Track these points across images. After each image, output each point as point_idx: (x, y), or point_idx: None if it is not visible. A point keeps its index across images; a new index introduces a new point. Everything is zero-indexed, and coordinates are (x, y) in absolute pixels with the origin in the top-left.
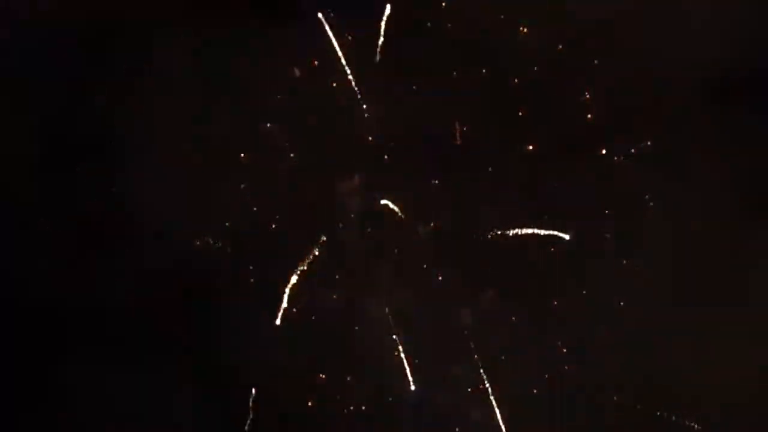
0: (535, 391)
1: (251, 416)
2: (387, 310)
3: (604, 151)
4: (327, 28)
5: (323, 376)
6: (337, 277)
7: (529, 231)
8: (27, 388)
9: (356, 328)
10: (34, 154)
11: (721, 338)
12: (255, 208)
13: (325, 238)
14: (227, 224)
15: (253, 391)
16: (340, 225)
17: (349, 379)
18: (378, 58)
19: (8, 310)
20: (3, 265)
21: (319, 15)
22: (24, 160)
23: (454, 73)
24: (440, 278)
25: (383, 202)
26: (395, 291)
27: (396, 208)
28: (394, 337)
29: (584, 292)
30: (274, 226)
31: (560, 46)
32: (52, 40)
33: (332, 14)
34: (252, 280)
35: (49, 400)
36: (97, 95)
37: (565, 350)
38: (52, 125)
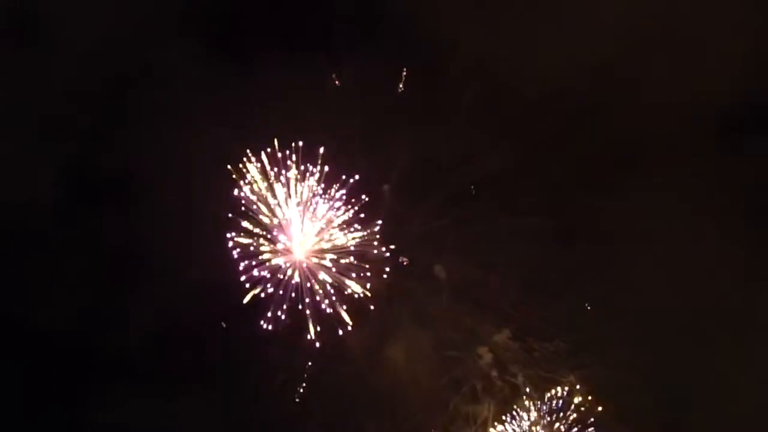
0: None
1: None
2: (409, 353)
3: (620, 187)
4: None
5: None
6: (360, 322)
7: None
8: (52, 422)
9: (379, 373)
10: (59, 196)
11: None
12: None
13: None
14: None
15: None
16: (362, 273)
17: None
18: (396, 105)
19: (33, 345)
20: (27, 302)
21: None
22: (49, 202)
23: (470, 124)
24: (459, 319)
25: (403, 252)
26: (416, 334)
27: (407, 259)
28: (415, 378)
29: (603, 328)
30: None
31: (576, 89)
32: (77, 86)
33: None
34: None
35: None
36: (121, 140)
37: (582, 387)
38: (77, 170)
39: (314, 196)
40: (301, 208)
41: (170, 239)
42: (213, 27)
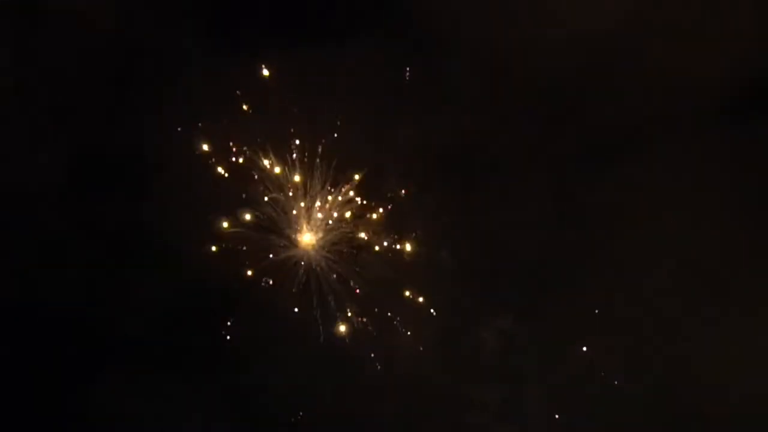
0: (560, 410)
1: None
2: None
3: (623, 164)
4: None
5: (354, 405)
6: (366, 312)
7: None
8: (58, 404)
9: (384, 361)
10: (66, 180)
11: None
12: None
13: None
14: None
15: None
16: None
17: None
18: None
19: (39, 327)
20: (36, 286)
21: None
22: (56, 186)
23: (473, 104)
24: (464, 304)
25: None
26: (422, 319)
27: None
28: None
29: (608, 307)
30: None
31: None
32: (82, 73)
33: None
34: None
35: (79, 414)
36: (125, 126)
37: (586, 369)
38: (83, 155)
39: (322, 186)
40: (306, 199)
41: (177, 226)
42: (219, 16)
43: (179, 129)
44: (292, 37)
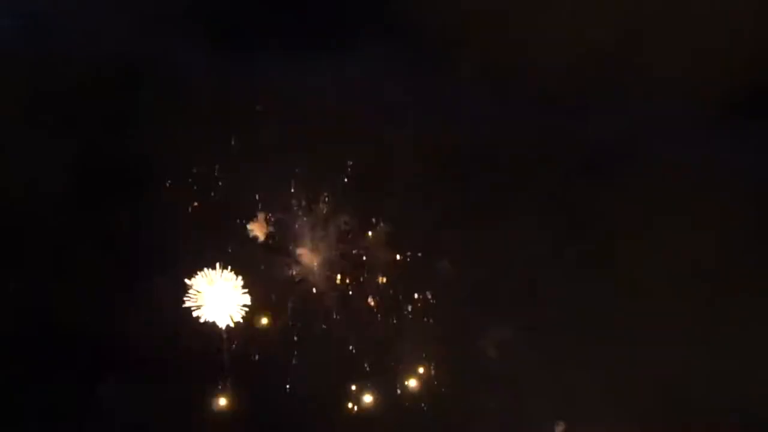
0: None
1: None
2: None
3: (625, 173)
4: None
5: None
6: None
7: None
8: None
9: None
10: (70, 192)
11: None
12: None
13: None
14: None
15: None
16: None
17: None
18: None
19: (44, 337)
20: (40, 296)
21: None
22: (59, 197)
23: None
24: (463, 313)
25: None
26: (423, 330)
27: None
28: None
29: (611, 316)
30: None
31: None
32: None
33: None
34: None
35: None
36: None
37: (587, 379)
38: (86, 166)
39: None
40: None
41: (180, 233)
42: (219, 21)
43: (182, 143)
44: (294, 47)
